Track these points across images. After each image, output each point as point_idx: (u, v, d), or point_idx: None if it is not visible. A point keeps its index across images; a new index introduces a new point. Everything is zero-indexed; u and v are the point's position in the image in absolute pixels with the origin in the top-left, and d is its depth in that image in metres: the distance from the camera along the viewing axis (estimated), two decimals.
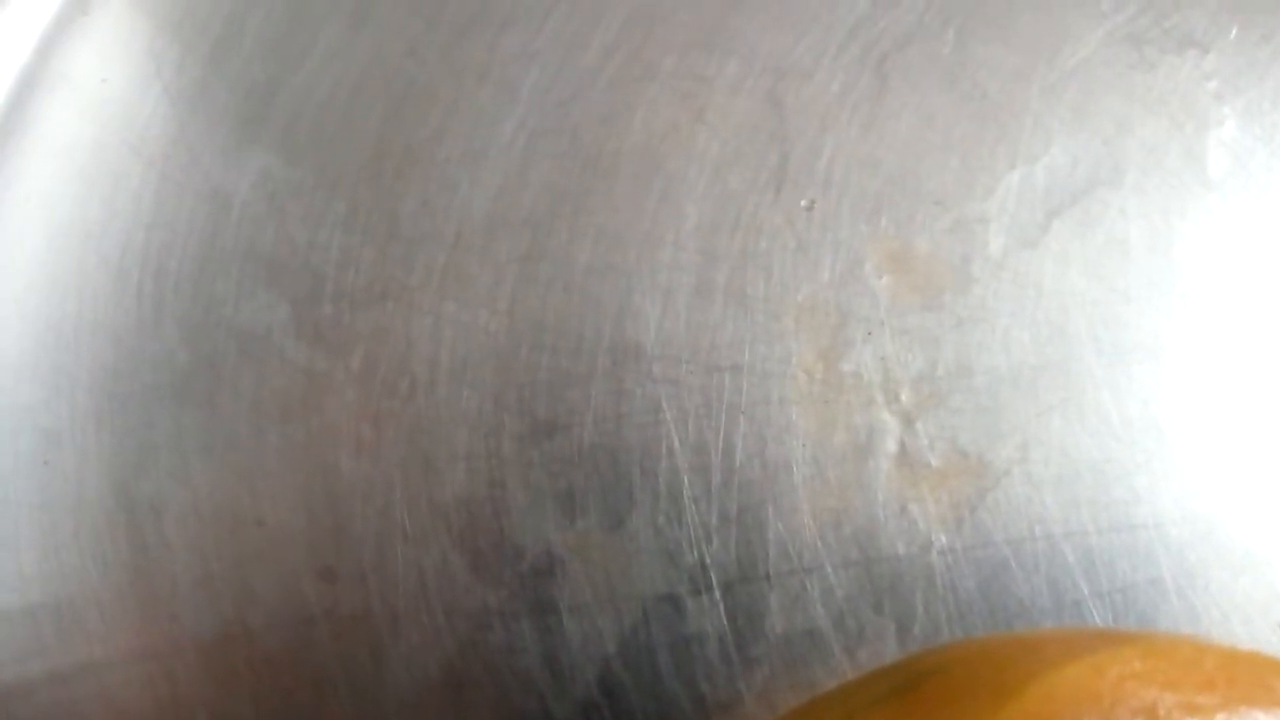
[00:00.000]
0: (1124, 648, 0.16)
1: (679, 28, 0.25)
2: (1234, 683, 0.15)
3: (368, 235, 0.24)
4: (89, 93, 0.25)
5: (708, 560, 0.22)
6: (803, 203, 0.24)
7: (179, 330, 0.23)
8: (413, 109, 0.24)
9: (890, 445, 0.23)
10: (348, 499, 0.22)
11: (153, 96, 0.25)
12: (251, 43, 0.25)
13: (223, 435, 0.23)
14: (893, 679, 0.17)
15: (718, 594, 0.22)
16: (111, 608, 0.22)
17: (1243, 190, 0.24)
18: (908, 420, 0.23)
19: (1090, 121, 0.24)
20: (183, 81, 0.25)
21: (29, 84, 0.25)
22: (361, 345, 0.23)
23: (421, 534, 0.22)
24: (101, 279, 0.24)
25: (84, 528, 0.22)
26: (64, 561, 0.22)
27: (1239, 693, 0.15)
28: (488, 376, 0.23)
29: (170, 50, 0.25)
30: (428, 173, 0.24)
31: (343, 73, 0.24)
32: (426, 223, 0.24)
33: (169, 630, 0.22)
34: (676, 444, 0.23)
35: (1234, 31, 0.25)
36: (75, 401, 0.23)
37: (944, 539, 0.22)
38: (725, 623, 0.22)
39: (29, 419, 0.23)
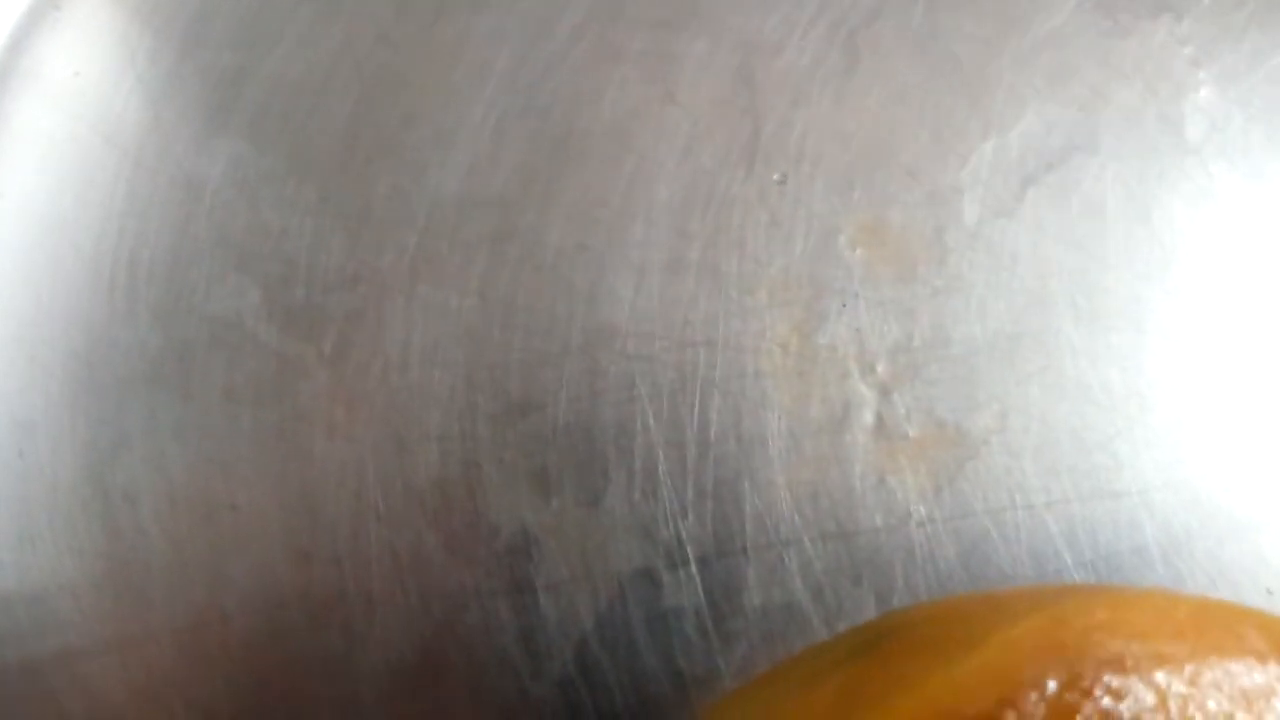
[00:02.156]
0: (1090, 599, 0.15)
1: (647, 6, 0.25)
2: (1203, 632, 0.15)
3: (339, 220, 0.24)
4: (61, 85, 0.25)
5: (684, 535, 0.22)
6: (775, 177, 0.24)
7: (152, 318, 0.23)
8: (383, 94, 0.24)
9: (867, 417, 0.22)
10: (321, 482, 0.22)
11: (125, 87, 0.25)
12: (222, 32, 0.25)
13: (196, 421, 0.23)
14: (860, 636, 0.16)
15: (694, 569, 0.22)
16: (87, 595, 0.22)
17: (1220, 154, 0.24)
18: (884, 392, 0.23)
19: (1064, 89, 0.24)
20: (154, 72, 0.25)
21: (1, 78, 0.25)
22: (334, 328, 0.23)
23: (396, 515, 0.22)
24: (75, 269, 0.24)
25: (59, 516, 0.22)
26: (39, 550, 0.22)
27: (1208, 642, 0.15)
28: (460, 357, 0.23)
29: (141, 41, 0.25)
30: (398, 157, 0.24)
31: (313, 59, 0.25)
32: (397, 206, 0.24)
33: (144, 616, 0.22)
34: (651, 420, 0.22)
35: None
36: (49, 391, 0.23)
37: (923, 510, 0.22)
38: (702, 598, 0.22)
39: (3, 409, 0.23)
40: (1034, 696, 0.14)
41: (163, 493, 0.22)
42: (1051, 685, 0.14)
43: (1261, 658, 0.15)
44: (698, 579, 0.22)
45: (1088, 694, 0.14)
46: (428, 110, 0.24)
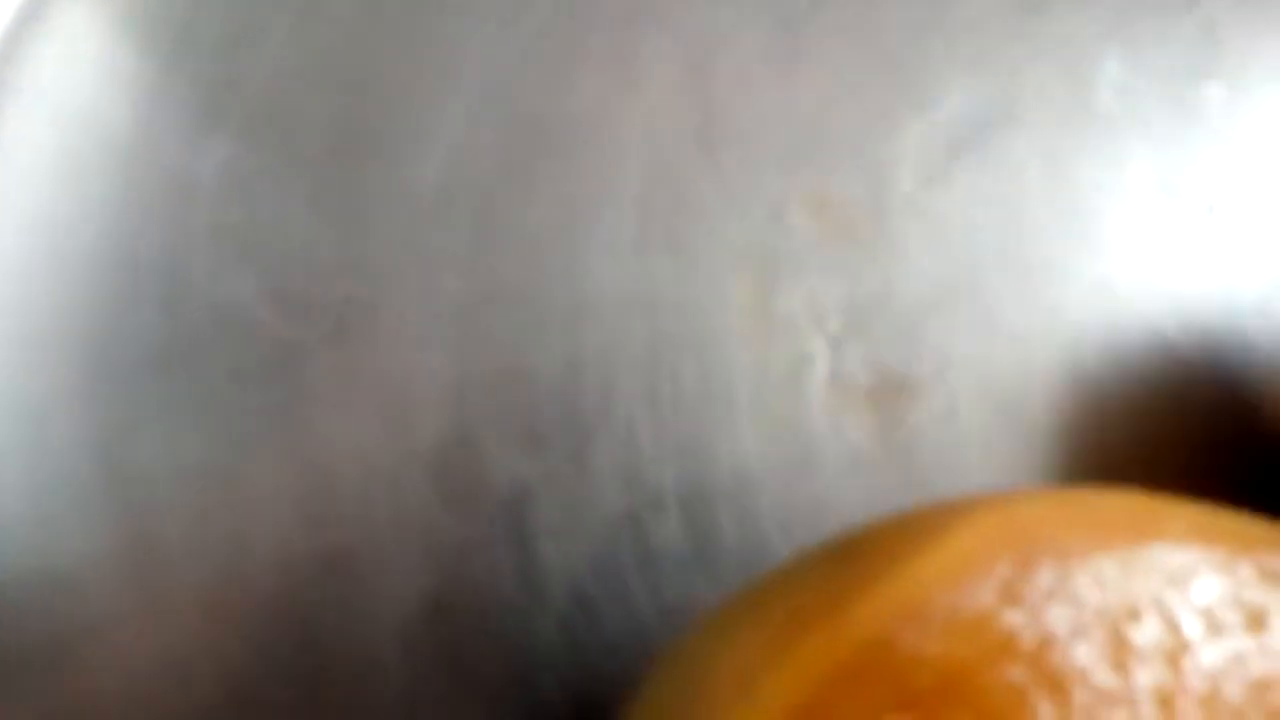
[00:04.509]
0: (1037, 497, 0.18)
1: (606, 5, 0.27)
2: (1134, 522, 0.17)
3: (330, 212, 0.25)
4: (51, 95, 0.26)
5: (665, 484, 0.24)
6: (729, 158, 0.26)
7: (157, 308, 0.25)
8: (362, 93, 0.26)
9: (822, 370, 0.25)
10: (327, 453, 0.24)
11: (112, 94, 0.26)
12: (208, 39, 0.26)
13: (206, 401, 0.24)
14: (827, 547, 0.19)
15: (675, 513, 0.24)
16: (108, 567, 0.23)
17: (1128, 123, 0.26)
18: (836, 346, 0.25)
19: (986, 68, 0.26)
20: (142, 79, 0.26)
21: None
22: (333, 312, 0.25)
23: (399, 479, 0.24)
24: (78, 266, 0.25)
25: (76, 497, 0.24)
26: (59, 529, 0.24)
27: (1137, 530, 0.17)
28: (451, 335, 0.25)
29: (128, 50, 0.26)
30: (381, 152, 0.26)
31: (295, 63, 0.26)
32: (384, 197, 0.25)
33: (165, 584, 0.23)
34: (630, 384, 0.25)
35: None
36: (61, 380, 0.24)
37: (878, 451, 0.24)
38: (684, 538, 0.24)
39: (17, 399, 0.24)
40: (986, 584, 0.16)
41: (176, 469, 0.24)
42: (1002, 572, 0.17)
43: (1182, 542, 0.17)
44: (679, 522, 0.24)
45: (1031, 580, 0.17)
46: (406, 108, 0.26)
